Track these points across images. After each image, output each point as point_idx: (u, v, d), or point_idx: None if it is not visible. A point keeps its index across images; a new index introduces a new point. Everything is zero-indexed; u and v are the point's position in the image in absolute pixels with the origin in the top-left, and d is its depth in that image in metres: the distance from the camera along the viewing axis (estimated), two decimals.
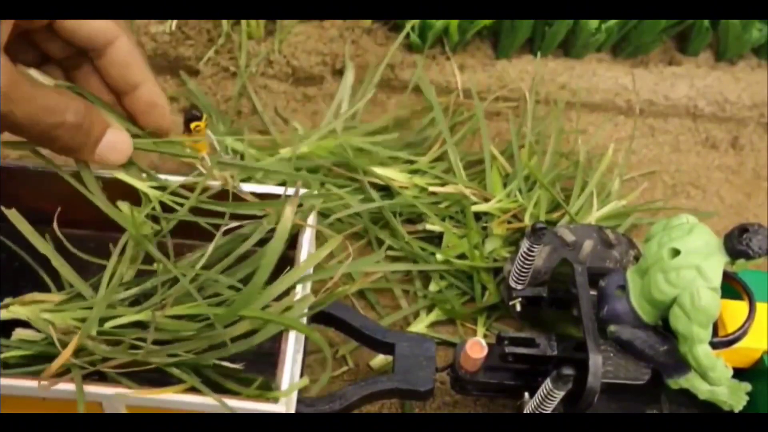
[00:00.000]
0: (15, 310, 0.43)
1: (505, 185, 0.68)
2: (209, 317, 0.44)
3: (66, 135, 0.44)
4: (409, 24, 0.78)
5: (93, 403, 0.42)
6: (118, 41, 0.45)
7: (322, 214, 0.62)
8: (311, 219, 0.49)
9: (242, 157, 0.68)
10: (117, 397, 0.41)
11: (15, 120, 0.41)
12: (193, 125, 0.61)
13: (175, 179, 0.49)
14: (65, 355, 0.41)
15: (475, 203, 0.66)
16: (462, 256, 0.64)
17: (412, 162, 0.69)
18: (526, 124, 0.72)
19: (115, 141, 0.46)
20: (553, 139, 0.71)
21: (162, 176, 0.49)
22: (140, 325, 0.44)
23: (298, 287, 0.45)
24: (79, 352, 0.42)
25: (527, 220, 0.64)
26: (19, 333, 0.44)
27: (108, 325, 0.43)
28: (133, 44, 0.45)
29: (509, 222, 0.65)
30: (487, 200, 0.67)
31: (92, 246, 0.48)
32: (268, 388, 0.43)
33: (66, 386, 0.41)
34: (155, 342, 0.42)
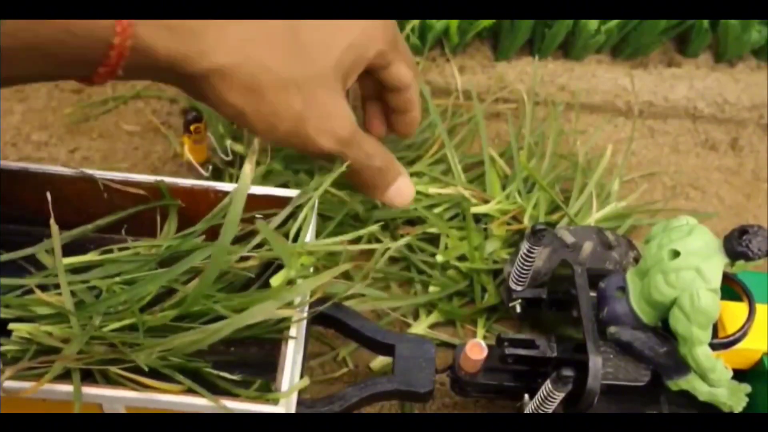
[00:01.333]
0: (16, 327, 0.43)
1: (504, 187, 0.68)
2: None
3: (371, 175, 0.54)
4: (409, 25, 0.78)
5: (92, 405, 0.42)
6: (411, 89, 0.57)
7: (321, 215, 0.62)
8: (312, 217, 0.49)
9: (241, 159, 0.68)
10: (116, 398, 0.41)
11: (342, 158, 0.51)
12: (193, 127, 0.62)
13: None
14: (61, 363, 0.41)
15: (474, 205, 0.66)
16: (462, 258, 0.64)
17: (412, 162, 0.69)
18: (526, 126, 0.73)
19: (403, 188, 0.56)
20: (551, 140, 0.71)
21: (168, 179, 0.50)
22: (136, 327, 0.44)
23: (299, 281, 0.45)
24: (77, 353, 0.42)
25: (526, 222, 0.64)
26: (14, 327, 0.44)
27: (106, 329, 0.43)
28: (417, 89, 0.58)
29: (509, 224, 0.65)
30: (486, 202, 0.67)
31: (92, 248, 0.48)
32: (267, 390, 0.43)
33: (66, 387, 0.41)
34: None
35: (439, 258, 0.64)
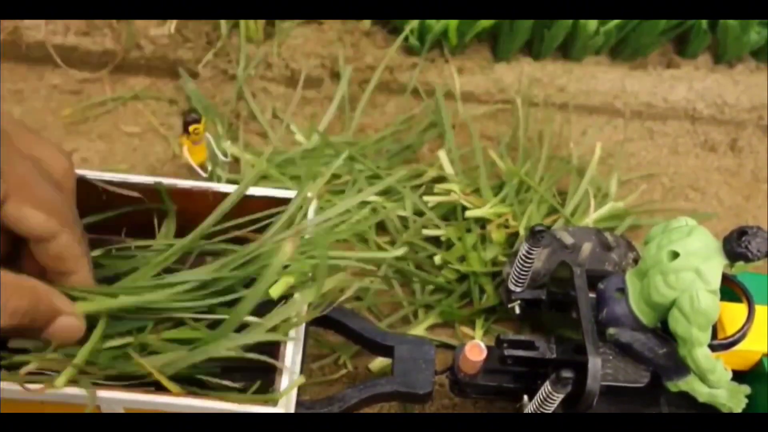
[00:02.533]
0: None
1: (502, 188, 0.68)
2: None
3: (7, 330, 0.40)
4: (408, 27, 0.78)
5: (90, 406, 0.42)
6: (59, 238, 0.42)
7: None
8: (311, 213, 0.49)
9: (237, 161, 0.68)
10: (116, 399, 0.41)
11: None
12: (191, 128, 0.62)
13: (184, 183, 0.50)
14: (70, 372, 0.41)
15: (469, 209, 0.66)
16: (461, 259, 0.64)
17: (409, 161, 0.69)
18: (521, 128, 0.73)
19: (63, 329, 0.43)
20: (546, 142, 0.71)
21: (167, 180, 0.50)
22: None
23: (296, 295, 0.45)
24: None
25: (521, 227, 0.64)
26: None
27: (108, 344, 0.44)
28: (72, 239, 0.42)
29: (506, 226, 0.65)
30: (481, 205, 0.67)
31: (91, 249, 0.48)
32: (267, 391, 0.43)
33: (67, 390, 0.41)
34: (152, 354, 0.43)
35: (438, 258, 0.64)
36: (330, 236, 0.47)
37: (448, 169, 0.69)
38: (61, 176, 0.43)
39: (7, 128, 0.39)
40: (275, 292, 0.44)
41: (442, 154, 0.70)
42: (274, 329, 0.44)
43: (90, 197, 0.50)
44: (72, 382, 0.41)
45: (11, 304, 0.39)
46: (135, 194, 0.50)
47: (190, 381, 0.43)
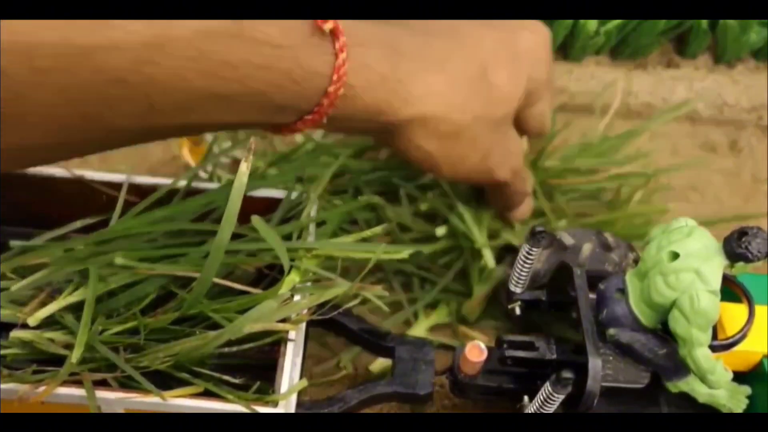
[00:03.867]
0: (17, 334, 0.43)
1: None
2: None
3: (518, 198, 0.58)
4: None
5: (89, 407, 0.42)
6: (540, 103, 0.54)
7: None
8: (313, 211, 0.49)
9: (238, 162, 0.68)
10: (116, 401, 0.41)
11: (509, 186, 0.56)
12: None
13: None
14: (66, 371, 0.41)
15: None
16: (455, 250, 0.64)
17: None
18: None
19: (527, 207, 0.59)
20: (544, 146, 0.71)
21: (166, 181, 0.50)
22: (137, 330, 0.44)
23: (296, 296, 0.45)
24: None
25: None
26: (15, 333, 0.44)
27: (106, 334, 0.43)
28: (549, 103, 0.56)
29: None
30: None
31: None
32: (267, 392, 0.43)
33: (65, 390, 0.41)
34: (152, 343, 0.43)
35: (440, 230, 0.63)
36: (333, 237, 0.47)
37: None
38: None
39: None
40: (283, 290, 0.44)
41: None
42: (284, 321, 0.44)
43: (90, 198, 0.50)
44: (72, 382, 0.41)
45: (528, 188, 0.60)
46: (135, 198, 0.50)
47: (191, 374, 0.43)
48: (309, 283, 0.47)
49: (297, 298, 0.45)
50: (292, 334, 0.45)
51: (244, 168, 0.42)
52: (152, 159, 0.71)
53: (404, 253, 0.49)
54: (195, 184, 0.52)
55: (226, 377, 0.43)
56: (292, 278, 0.45)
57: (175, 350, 0.42)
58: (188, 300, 0.43)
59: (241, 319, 0.42)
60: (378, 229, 0.49)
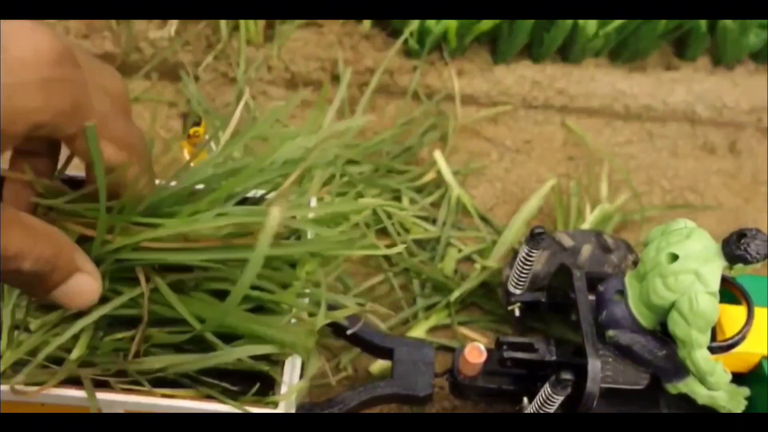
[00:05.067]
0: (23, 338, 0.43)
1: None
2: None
3: (18, 280, 0.39)
4: (408, 29, 0.78)
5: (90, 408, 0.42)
6: (129, 170, 0.41)
7: None
8: (312, 203, 0.49)
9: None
10: (115, 402, 0.41)
11: None
12: (192, 131, 0.62)
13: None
14: (64, 372, 0.41)
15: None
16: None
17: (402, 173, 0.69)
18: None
19: (79, 288, 0.41)
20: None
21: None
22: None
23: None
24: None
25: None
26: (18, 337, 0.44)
27: (107, 338, 0.43)
28: (143, 170, 0.42)
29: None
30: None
31: None
32: (266, 394, 0.43)
33: (64, 392, 0.41)
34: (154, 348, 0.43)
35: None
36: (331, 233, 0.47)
37: (446, 171, 0.70)
38: (120, 99, 0.42)
39: (81, 59, 0.38)
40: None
41: (438, 155, 0.70)
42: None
43: None
44: (72, 383, 0.41)
45: (37, 249, 0.38)
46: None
47: (190, 379, 0.43)
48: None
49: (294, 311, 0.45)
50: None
51: (276, 213, 0.42)
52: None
53: (399, 248, 0.49)
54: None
55: (225, 384, 0.43)
56: (294, 290, 0.45)
57: (174, 361, 0.42)
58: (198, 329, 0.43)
59: (241, 350, 0.42)
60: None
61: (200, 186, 0.46)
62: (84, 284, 0.41)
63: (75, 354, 0.41)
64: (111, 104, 0.39)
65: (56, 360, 0.43)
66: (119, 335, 0.44)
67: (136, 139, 0.41)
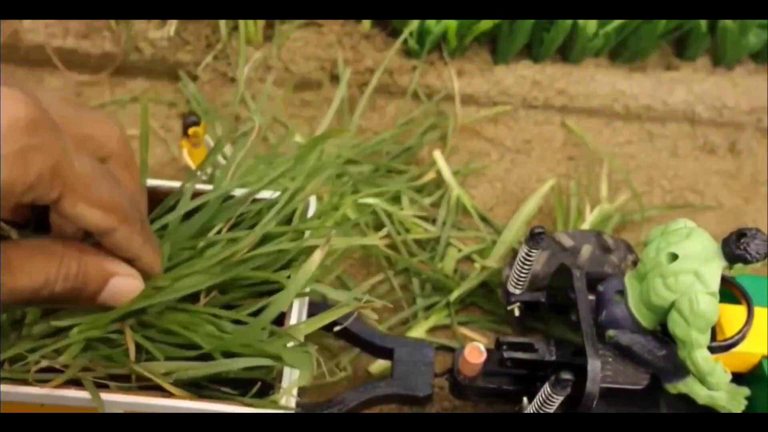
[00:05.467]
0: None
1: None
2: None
3: (60, 297, 0.40)
4: (407, 29, 0.78)
5: (90, 408, 0.42)
6: (116, 233, 0.40)
7: None
8: (310, 214, 0.49)
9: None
10: (115, 403, 0.41)
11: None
12: (191, 130, 0.62)
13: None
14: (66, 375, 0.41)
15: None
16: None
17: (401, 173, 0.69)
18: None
19: (118, 292, 0.42)
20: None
21: (165, 183, 0.50)
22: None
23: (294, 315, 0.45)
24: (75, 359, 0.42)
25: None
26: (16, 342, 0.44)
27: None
28: (131, 232, 0.41)
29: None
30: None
31: None
32: (266, 393, 0.43)
33: (64, 392, 0.41)
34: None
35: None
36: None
37: (446, 171, 0.70)
38: (116, 146, 0.42)
39: (58, 114, 0.37)
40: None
41: (437, 155, 0.70)
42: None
43: None
44: (73, 383, 0.41)
45: (63, 271, 0.39)
46: None
47: (188, 383, 0.43)
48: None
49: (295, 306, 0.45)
50: (290, 343, 0.45)
51: (317, 257, 0.42)
52: (151, 161, 0.71)
53: (383, 233, 0.49)
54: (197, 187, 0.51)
55: (225, 389, 0.43)
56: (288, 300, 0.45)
57: (178, 367, 0.43)
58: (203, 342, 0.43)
59: (241, 361, 0.43)
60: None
61: None
62: (122, 286, 0.42)
63: (69, 355, 0.41)
64: (96, 167, 0.39)
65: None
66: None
67: (126, 198, 0.40)
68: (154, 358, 0.43)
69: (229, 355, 0.43)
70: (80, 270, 0.40)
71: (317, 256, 0.42)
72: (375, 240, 0.49)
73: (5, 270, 0.37)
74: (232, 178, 0.51)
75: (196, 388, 0.43)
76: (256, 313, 0.44)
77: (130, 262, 0.42)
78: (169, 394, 0.42)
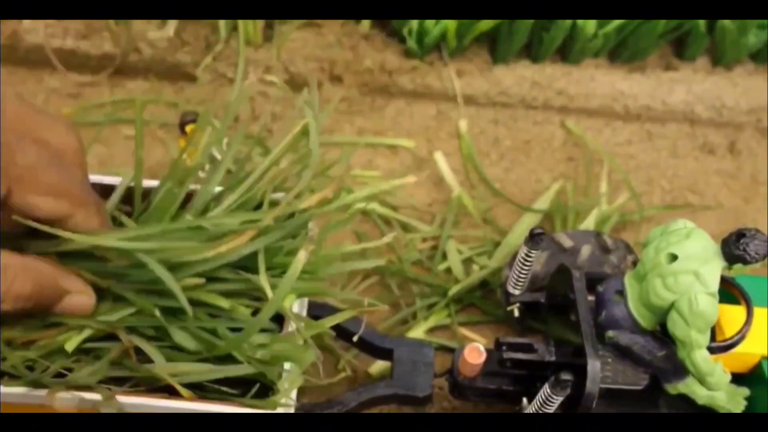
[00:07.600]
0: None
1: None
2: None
3: (10, 314, 0.40)
4: (407, 29, 0.78)
5: (90, 410, 0.42)
6: (72, 218, 0.41)
7: None
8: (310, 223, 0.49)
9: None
10: (114, 404, 0.41)
11: None
12: (188, 128, 0.62)
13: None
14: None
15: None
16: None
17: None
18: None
19: (71, 307, 0.42)
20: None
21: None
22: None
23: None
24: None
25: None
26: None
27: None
28: (87, 214, 0.41)
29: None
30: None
31: None
32: (266, 394, 0.43)
33: (67, 393, 0.41)
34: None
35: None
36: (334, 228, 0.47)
37: (446, 171, 0.70)
38: (72, 156, 0.42)
39: (12, 113, 0.38)
40: (288, 302, 0.44)
41: (438, 155, 0.70)
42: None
43: None
44: (74, 385, 0.41)
45: (15, 288, 0.38)
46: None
47: (188, 384, 0.43)
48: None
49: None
50: None
51: (302, 257, 0.42)
52: (151, 161, 0.71)
53: (389, 238, 0.49)
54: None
55: (224, 388, 0.43)
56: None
57: (183, 370, 0.43)
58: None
59: (241, 367, 0.43)
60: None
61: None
62: (75, 303, 0.42)
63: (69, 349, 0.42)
64: (41, 154, 0.39)
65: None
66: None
67: (77, 184, 0.40)
68: (149, 360, 0.43)
69: (226, 357, 0.43)
70: (35, 290, 0.39)
71: (302, 256, 0.42)
72: (377, 243, 0.49)
73: None
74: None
75: (195, 388, 0.43)
76: (255, 313, 0.44)
77: None
78: (168, 395, 0.42)
